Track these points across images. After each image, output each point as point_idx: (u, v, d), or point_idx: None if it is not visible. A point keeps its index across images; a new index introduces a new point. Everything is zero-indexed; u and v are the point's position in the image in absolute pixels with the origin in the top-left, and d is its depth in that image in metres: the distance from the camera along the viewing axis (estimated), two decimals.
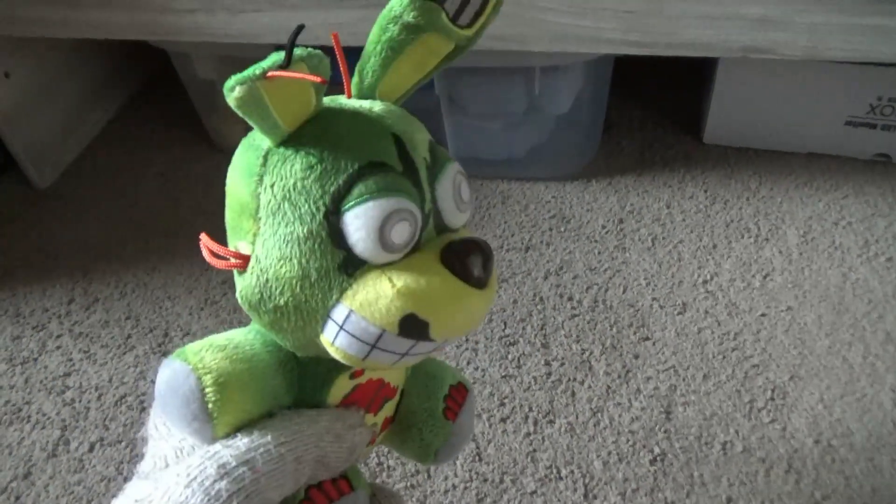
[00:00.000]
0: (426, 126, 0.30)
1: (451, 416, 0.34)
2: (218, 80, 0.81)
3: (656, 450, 0.55)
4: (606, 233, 0.74)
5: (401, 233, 0.26)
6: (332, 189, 0.26)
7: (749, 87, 0.79)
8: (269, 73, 0.24)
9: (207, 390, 0.26)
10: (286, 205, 0.26)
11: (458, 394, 0.35)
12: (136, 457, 0.57)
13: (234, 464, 0.24)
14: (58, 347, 0.67)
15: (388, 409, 0.33)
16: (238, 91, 0.24)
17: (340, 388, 0.30)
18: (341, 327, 0.27)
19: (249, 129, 0.27)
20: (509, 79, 0.74)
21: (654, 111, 0.91)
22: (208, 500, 0.23)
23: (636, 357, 0.62)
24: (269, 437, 0.26)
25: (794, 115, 0.80)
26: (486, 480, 0.54)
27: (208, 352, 0.27)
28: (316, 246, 0.26)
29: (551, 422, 0.57)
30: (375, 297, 0.26)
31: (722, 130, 0.84)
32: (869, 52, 0.60)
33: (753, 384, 0.59)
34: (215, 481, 0.24)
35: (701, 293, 0.67)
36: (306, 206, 0.26)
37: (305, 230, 0.26)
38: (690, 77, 0.91)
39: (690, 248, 0.72)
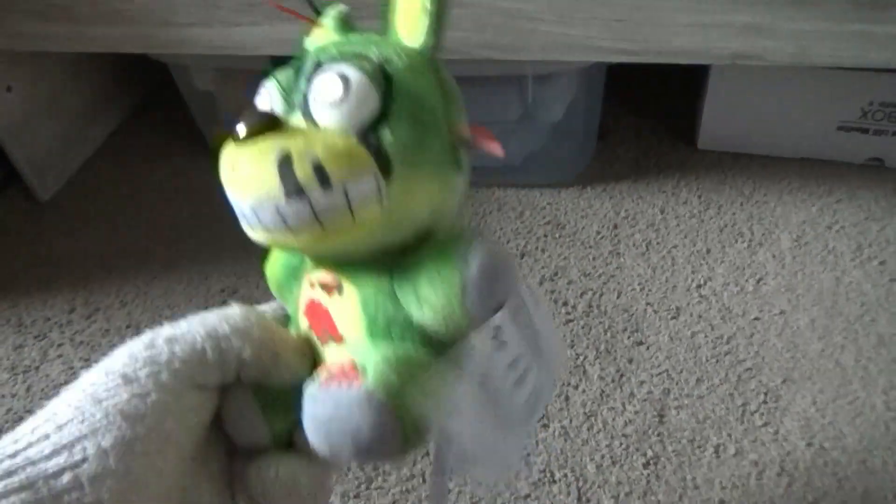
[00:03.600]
0: None
1: None
2: (217, 91, 0.82)
3: (649, 453, 0.55)
4: (601, 238, 0.75)
5: (259, 103, 0.30)
6: None
7: (742, 94, 0.80)
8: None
9: None
10: None
11: None
12: None
13: (160, 341, 0.27)
14: (59, 356, 0.67)
15: (334, 355, 0.29)
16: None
17: (305, 288, 0.31)
18: None
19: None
20: (502, 87, 0.74)
21: (648, 118, 0.92)
22: (131, 361, 0.26)
23: (630, 361, 0.62)
24: (201, 330, 0.27)
25: (787, 121, 0.80)
26: (479, 484, 0.54)
27: None
28: None
29: (545, 426, 0.58)
30: None
31: (715, 136, 0.84)
32: (856, 58, 0.61)
33: (746, 388, 0.59)
34: (146, 347, 0.27)
35: (695, 298, 0.68)
36: None
37: None
38: (683, 84, 0.92)
39: (684, 252, 0.73)
